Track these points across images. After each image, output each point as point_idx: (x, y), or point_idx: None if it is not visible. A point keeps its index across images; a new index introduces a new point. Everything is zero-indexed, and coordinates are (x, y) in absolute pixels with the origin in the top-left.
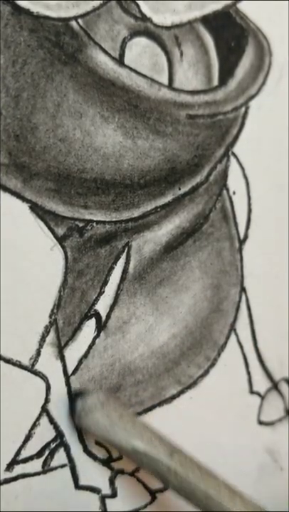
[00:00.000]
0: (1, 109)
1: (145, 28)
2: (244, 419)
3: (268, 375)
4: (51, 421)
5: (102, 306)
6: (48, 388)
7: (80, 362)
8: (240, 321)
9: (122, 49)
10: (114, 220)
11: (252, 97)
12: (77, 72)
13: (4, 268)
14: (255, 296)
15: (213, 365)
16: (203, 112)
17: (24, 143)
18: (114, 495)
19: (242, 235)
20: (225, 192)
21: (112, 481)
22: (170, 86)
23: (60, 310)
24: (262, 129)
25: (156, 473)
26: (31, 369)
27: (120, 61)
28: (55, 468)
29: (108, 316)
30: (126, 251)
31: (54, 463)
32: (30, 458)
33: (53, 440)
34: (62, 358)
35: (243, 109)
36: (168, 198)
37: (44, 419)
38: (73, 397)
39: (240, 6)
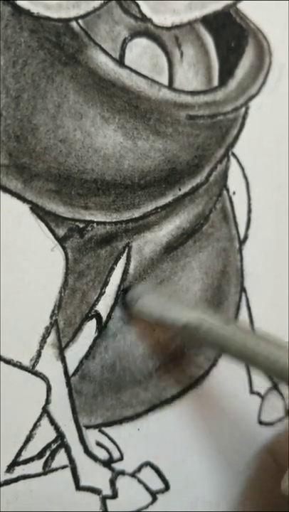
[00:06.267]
0: (2, 109)
1: (145, 29)
2: (244, 419)
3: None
4: (52, 422)
5: (102, 307)
6: (49, 389)
7: (81, 363)
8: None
9: (123, 50)
10: (114, 220)
11: (252, 97)
12: (78, 73)
13: (5, 269)
14: (255, 296)
15: (213, 365)
16: (204, 112)
17: (25, 144)
18: (115, 496)
19: (242, 235)
20: (225, 192)
21: (112, 482)
22: (170, 87)
23: (61, 311)
24: (262, 129)
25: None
26: (32, 370)
27: (120, 62)
28: (56, 469)
29: (109, 316)
30: (126, 252)
31: (55, 464)
32: (31, 459)
33: (54, 441)
34: (62, 359)
35: (243, 110)
36: (168, 198)
37: (45, 420)
38: (122, 292)
39: (240, 6)
